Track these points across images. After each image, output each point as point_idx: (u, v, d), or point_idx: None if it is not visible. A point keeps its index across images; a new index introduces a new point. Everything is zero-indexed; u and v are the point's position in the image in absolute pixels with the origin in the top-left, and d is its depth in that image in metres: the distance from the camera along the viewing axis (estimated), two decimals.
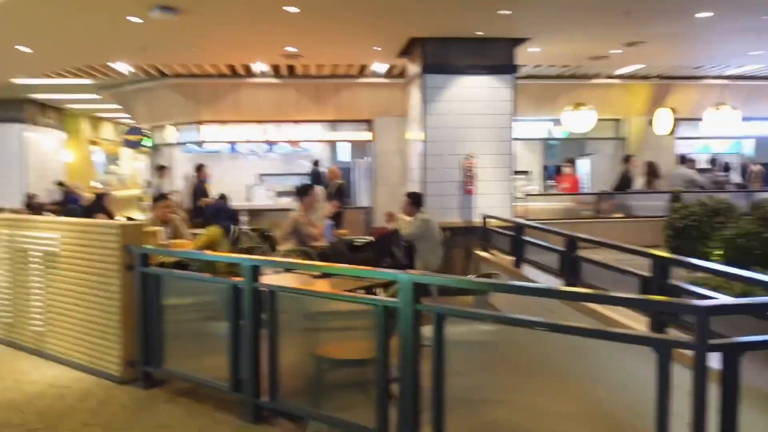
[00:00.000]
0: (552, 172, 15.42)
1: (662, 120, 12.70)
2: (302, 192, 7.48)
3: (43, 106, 15.86)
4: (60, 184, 14.77)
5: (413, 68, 9.58)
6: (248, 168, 15.01)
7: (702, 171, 13.38)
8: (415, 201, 7.71)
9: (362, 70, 12.28)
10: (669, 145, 13.37)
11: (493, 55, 8.97)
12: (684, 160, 12.49)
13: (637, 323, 4.31)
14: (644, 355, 3.62)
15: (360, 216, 12.64)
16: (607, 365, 4.37)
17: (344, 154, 15.91)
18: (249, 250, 6.30)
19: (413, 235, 7.11)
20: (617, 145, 13.98)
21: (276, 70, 12.10)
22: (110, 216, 9.59)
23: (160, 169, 12.76)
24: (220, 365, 4.26)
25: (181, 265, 5.46)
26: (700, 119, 13.23)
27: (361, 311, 3.97)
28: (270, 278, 5.03)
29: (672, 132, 12.62)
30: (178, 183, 12.68)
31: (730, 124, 10.96)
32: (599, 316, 4.55)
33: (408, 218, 7.88)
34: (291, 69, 12.00)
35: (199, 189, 10.89)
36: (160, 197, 7.36)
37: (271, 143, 14.02)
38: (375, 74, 12.48)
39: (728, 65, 11.75)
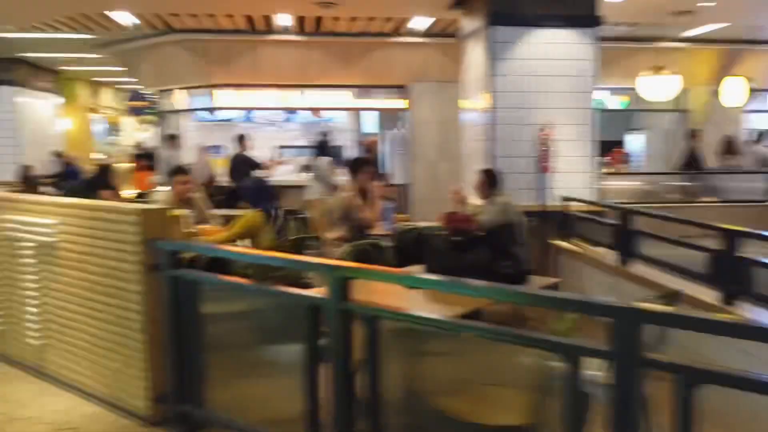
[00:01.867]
0: (601, 148, 13.94)
1: (732, 90, 11.30)
2: (355, 167, 6.07)
3: (36, 67, 14.21)
4: (58, 154, 13.35)
5: (470, 23, 8.12)
6: (264, 139, 13.51)
7: None
8: (491, 180, 6.26)
9: (398, 28, 10.78)
10: (737, 119, 11.95)
11: (572, 4, 7.49)
12: (761, 137, 11.09)
13: None
14: None
15: (399, 195, 11.20)
16: None
17: (370, 124, 14.46)
18: (299, 243, 4.91)
19: (492, 222, 5.72)
20: (675, 119, 12.53)
21: (301, 26, 10.60)
22: (117, 193, 8.27)
23: (171, 139, 11.29)
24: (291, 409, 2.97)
25: (217, 262, 4.09)
26: None
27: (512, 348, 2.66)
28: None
29: (744, 104, 11.22)
30: (189, 155, 11.16)
31: None
32: None
33: (480, 201, 6.48)
34: (317, 25, 10.51)
35: (242, 163, 9.54)
36: (177, 171, 5.94)
37: (291, 111, 12.54)
38: (412, 32, 10.99)
39: None
